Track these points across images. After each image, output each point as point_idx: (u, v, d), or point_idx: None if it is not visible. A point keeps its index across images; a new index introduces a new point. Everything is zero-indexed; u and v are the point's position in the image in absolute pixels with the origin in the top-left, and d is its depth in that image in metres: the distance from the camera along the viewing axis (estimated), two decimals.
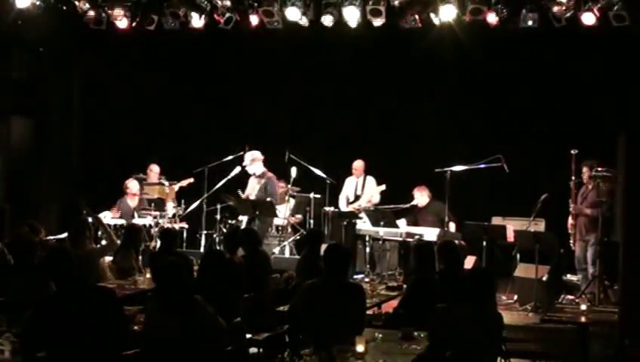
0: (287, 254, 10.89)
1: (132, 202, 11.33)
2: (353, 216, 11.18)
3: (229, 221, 11.28)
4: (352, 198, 11.50)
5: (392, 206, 11.08)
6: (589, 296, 9.08)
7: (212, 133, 12.83)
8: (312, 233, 8.57)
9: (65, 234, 9.13)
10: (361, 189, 11.44)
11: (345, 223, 11.13)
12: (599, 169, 9.45)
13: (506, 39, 10.85)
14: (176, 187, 11.67)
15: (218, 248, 10.46)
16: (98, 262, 7.77)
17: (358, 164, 11.50)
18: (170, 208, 11.39)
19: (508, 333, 6.41)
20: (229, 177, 11.18)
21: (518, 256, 9.68)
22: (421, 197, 11.01)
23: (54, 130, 12.73)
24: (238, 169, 11.14)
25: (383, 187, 11.31)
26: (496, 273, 6.82)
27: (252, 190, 11.05)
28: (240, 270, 7.16)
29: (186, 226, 11.53)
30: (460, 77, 11.84)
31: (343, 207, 11.50)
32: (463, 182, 10.90)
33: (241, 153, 11.12)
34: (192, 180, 11.67)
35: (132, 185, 11.42)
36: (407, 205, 11.10)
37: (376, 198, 11.35)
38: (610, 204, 9.40)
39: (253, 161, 10.96)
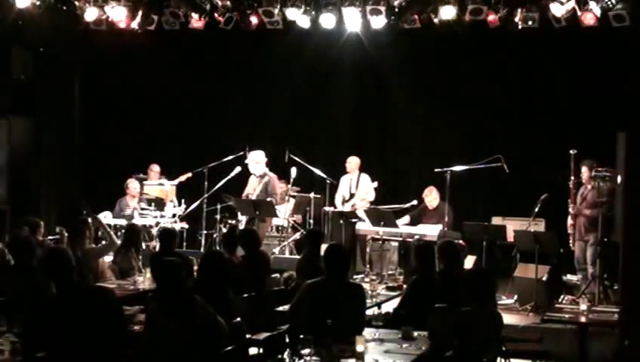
0: (287, 254, 10.89)
1: (132, 202, 11.33)
2: (353, 215, 11.18)
3: (229, 221, 11.28)
4: (347, 196, 11.45)
5: (392, 206, 11.08)
6: (589, 296, 9.06)
7: (212, 133, 12.84)
8: (312, 233, 8.56)
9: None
10: (355, 187, 11.39)
11: (345, 223, 11.13)
12: (599, 169, 9.42)
13: (506, 39, 10.85)
14: (175, 182, 11.67)
15: (218, 248, 10.46)
16: (98, 262, 7.78)
17: (352, 160, 11.39)
18: (170, 208, 11.39)
19: (508, 333, 6.42)
20: (229, 177, 11.18)
21: (518, 256, 9.67)
22: (434, 200, 10.92)
23: (54, 130, 12.73)
24: (238, 169, 11.14)
25: (375, 184, 11.25)
26: (496, 273, 6.83)
27: (252, 189, 11.04)
28: (240, 270, 7.16)
29: (186, 226, 11.52)
30: (460, 77, 11.82)
31: (339, 206, 11.47)
32: (463, 182, 10.89)
33: (241, 153, 11.12)
34: (190, 175, 11.68)
35: (133, 186, 11.42)
36: (408, 205, 11.08)
37: (371, 196, 11.32)
38: (611, 204, 9.38)
39: (256, 163, 10.94)
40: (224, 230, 10.94)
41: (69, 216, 9.39)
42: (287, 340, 5.91)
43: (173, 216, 11.31)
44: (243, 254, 7.75)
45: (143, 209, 11.27)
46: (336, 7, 10.68)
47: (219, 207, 11.35)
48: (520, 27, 10.41)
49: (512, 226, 9.90)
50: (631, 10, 9.38)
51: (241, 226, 10.66)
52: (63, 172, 12.80)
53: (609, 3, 9.77)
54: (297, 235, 11.21)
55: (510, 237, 9.73)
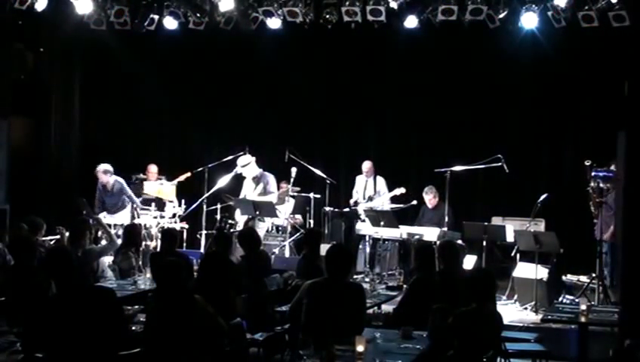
0: (287, 254, 10.88)
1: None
2: (354, 215, 11.17)
3: (229, 221, 11.28)
4: (361, 197, 11.39)
5: (392, 206, 11.08)
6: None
7: (212, 133, 12.84)
8: (312, 233, 8.56)
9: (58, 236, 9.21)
10: (373, 189, 11.33)
11: (345, 223, 11.09)
12: (599, 169, 9.39)
13: (506, 39, 10.84)
14: (174, 182, 11.67)
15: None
16: (98, 262, 7.78)
17: (367, 165, 11.36)
18: (170, 208, 11.39)
19: (508, 333, 6.42)
20: (229, 177, 11.17)
21: (518, 256, 9.67)
22: (433, 198, 10.88)
23: (54, 130, 12.72)
24: (237, 169, 11.12)
25: (403, 190, 11.03)
26: (496, 273, 6.83)
27: (248, 191, 11.01)
28: (240, 270, 7.17)
29: (186, 226, 11.52)
30: (460, 77, 11.82)
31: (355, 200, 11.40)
32: (463, 182, 10.89)
33: (241, 153, 11.11)
34: (189, 174, 11.67)
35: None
36: (407, 205, 11.07)
37: (387, 206, 11.23)
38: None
39: (245, 166, 10.91)
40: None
41: (69, 216, 9.39)
42: (287, 340, 5.92)
43: (173, 216, 11.31)
44: (243, 254, 7.75)
45: (142, 209, 11.27)
46: (336, 7, 10.67)
47: (219, 206, 11.35)
48: (519, 27, 10.42)
49: (512, 226, 9.89)
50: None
51: (239, 227, 10.68)
52: (63, 172, 12.80)
53: (609, 3, 9.77)
54: (297, 235, 11.21)
55: (510, 237, 9.73)
